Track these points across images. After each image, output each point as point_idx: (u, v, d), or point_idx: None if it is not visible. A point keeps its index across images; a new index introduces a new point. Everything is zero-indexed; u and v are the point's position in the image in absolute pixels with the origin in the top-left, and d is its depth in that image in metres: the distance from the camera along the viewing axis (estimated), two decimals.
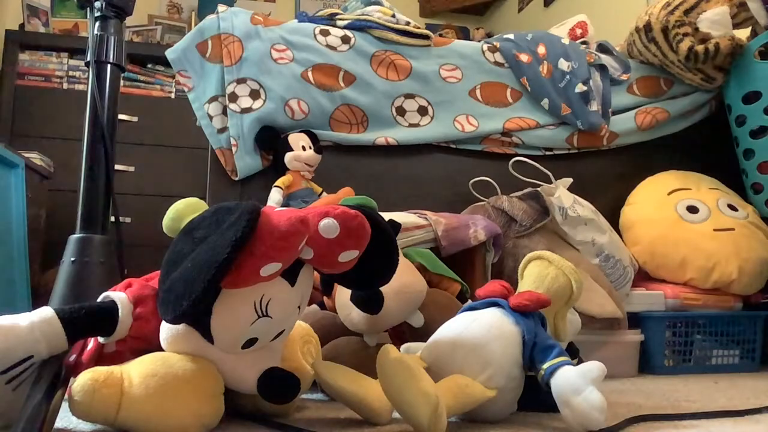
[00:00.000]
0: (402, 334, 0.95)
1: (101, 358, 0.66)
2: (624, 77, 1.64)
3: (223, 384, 0.64)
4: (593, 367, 0.67)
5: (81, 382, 0.57)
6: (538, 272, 0.79)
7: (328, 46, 1.46)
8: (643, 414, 0.76)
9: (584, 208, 1.36)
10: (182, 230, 0.63)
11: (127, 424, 0.59)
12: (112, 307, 0.64)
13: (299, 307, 0.66)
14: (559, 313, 0.80)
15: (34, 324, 0.58)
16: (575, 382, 0.65)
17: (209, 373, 0.63)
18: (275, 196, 1.30)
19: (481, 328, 0.73)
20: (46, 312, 0.60)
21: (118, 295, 0.66)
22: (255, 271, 0.56)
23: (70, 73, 2.64)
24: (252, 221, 0.54)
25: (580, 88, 1.54)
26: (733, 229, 1.42)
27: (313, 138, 1.38)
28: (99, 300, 0.66)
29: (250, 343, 0.62)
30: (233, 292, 0.59)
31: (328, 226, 0.59)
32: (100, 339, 0.65)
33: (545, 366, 0.68)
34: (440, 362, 0.73)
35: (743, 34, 1.53)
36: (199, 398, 0.61)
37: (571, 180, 1.41)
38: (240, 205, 0.57)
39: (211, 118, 1.39)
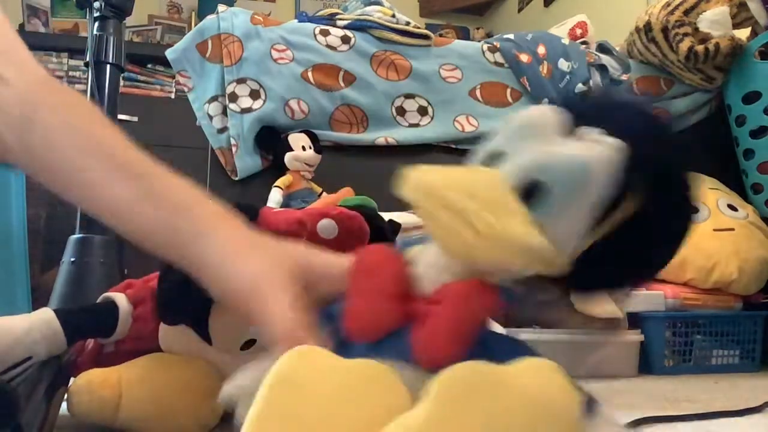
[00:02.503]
0: None
1: (101, 358, 0.66)
2: (624, 77, 1.64)
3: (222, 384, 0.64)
4: None
5: (78, 384, 0.58)
6: None
7: (328, 46, 1.46)
8: (646, 416, 0.76)
9: None
10: None
11: (127, 425, 0.59)
12: (111, 308, 0.64)
13: None
14: None
15: (33, 325, 0.58)
16: None
17: (207, 373, 0.62)
18: (275, 196, 1.30)
19: None
20: (45, 313, 0.60)
21: (117, 296, 0.65)
22: None
23: (70, 73, 2.63)
24: (248, 222, 0.54)
25: (580, 88, 1.54)
26: (733, 229, 1.42)
27: (313, 138, 1.38)
28: (98, 301, 0.66)
29: (250, 344, 0.62)
30: None
31: (326, 227, 0.59)
32: (100, 340, 0.65)
33: None
34: None
35: (743, 34, 1.53)
36: (197, 399, 0.61)
37: None
38: (237, 206, 0.57)
39: (211, 118, 1.39)
